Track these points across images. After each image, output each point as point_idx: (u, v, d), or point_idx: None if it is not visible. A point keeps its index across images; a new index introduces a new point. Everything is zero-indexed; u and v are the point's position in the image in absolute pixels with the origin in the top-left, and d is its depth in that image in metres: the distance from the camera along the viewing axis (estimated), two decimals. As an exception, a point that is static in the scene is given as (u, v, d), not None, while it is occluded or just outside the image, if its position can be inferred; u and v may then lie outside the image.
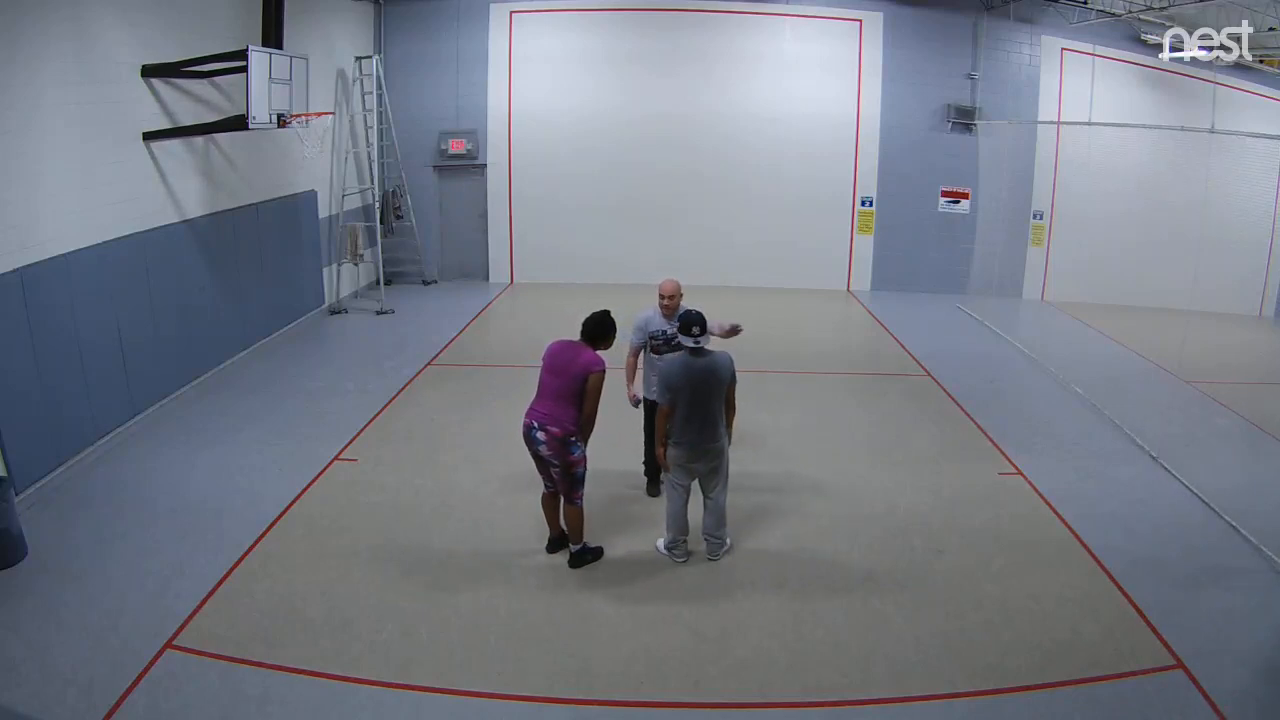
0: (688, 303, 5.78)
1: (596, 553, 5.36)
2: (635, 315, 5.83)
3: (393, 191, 12.83)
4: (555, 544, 5.42)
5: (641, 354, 5.90)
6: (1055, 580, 5.24)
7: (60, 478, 6.19)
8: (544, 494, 5.36)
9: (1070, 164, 12.31)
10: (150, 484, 6.26)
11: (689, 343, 4.98)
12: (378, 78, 11.97)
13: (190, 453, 6.79)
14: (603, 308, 5.13)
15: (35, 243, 5.98)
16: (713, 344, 5.19)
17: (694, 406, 4.99)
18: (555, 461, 5.00)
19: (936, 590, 5.11)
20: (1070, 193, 12.61)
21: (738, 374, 5.19)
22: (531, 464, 5.26)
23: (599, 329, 5.02)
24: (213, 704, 4.02)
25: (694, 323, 4.99)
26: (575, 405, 4.92)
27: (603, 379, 4.90)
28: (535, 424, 4.98)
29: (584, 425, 5.00)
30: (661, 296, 5.76)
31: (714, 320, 5.70)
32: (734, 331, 5.83)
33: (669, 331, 5.74)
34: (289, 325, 10.17)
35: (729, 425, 5.26)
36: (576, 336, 5.10)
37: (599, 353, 5.02)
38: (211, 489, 6.20)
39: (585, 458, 5.08)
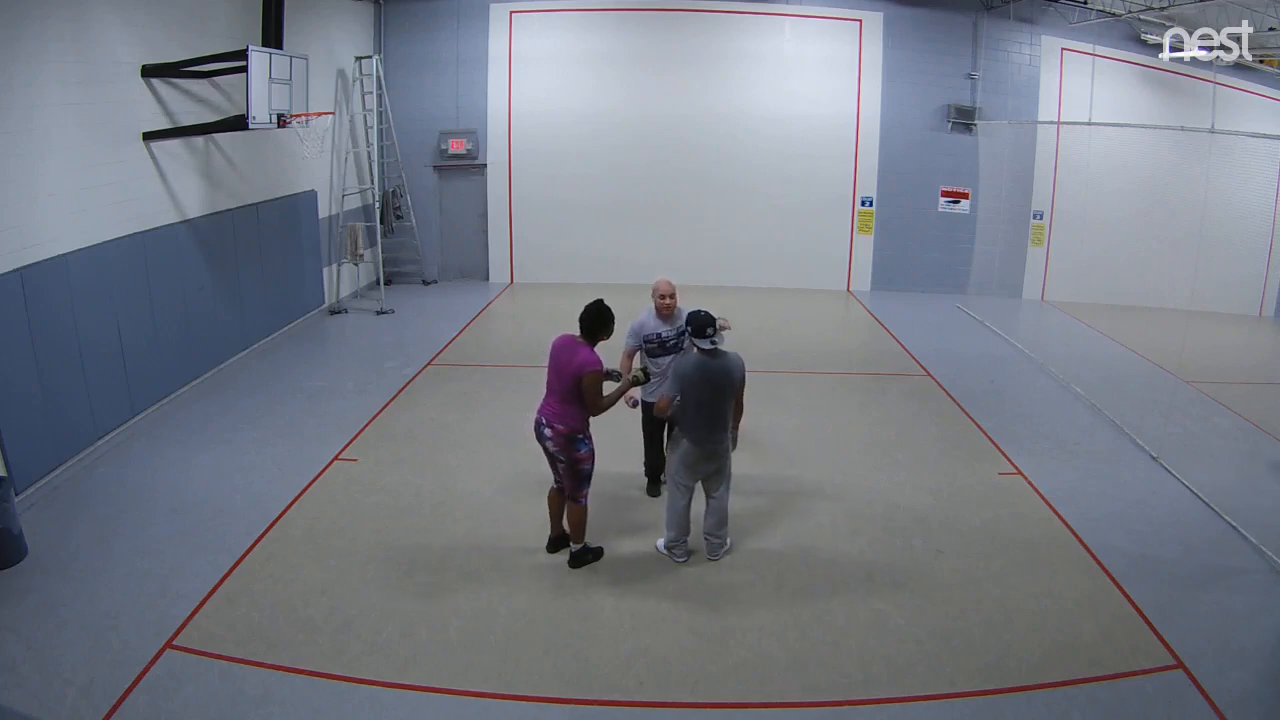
0: (685, 303, 5.79)
1: (597, 553, 5.36)
2: (630, 322, 5.80)
3: (393, 191, 12.83)
4: (555, 544, 5.43)
5: (637, 356, 5.88)
6: (1055, 580, 5.25)
7: (60, 478, 6.19)
8: (551, 490, 5.36)
9: (1070, 164, 12.31)
10: (150, 484, 6.26)
11: (705, 345, 4.96)
12: (378, 78, 11.97)
13: (190, 453, 6.79)
14: (597, 299, 5.02)
15: (35, 243, 5.98)
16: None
17: (704, 406, 5.00)
18: (562, 458, 5.02)
19: (936, 590, 5.11)
20: (1070, 193, 12.60)
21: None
22: (532, 464, 5.28)
23: (597, 320, 4.94)
24: (213, 704, 4.02)
25: (707, 324, 4.97)
26: (578, 403, 4.93)
27: (598, 378, 4.89)
28: (544, 421, 5.02)
29: (593, 414, 4.98)
30: (663, 296, 5.75)
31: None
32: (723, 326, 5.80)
33: (664, 334, 5.75)
34: (289, 325, 10.17)
35: (735, 426, 5.27)
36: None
37: (600, 347, 4.98)
38: (211, 489, 6.20)
39: (592, 455, 5.09)
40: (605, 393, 5.02)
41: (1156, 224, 11.89)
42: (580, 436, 4.99)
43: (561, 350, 4.99)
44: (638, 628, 4.69)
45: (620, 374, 5.24)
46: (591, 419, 5.04)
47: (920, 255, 13.39)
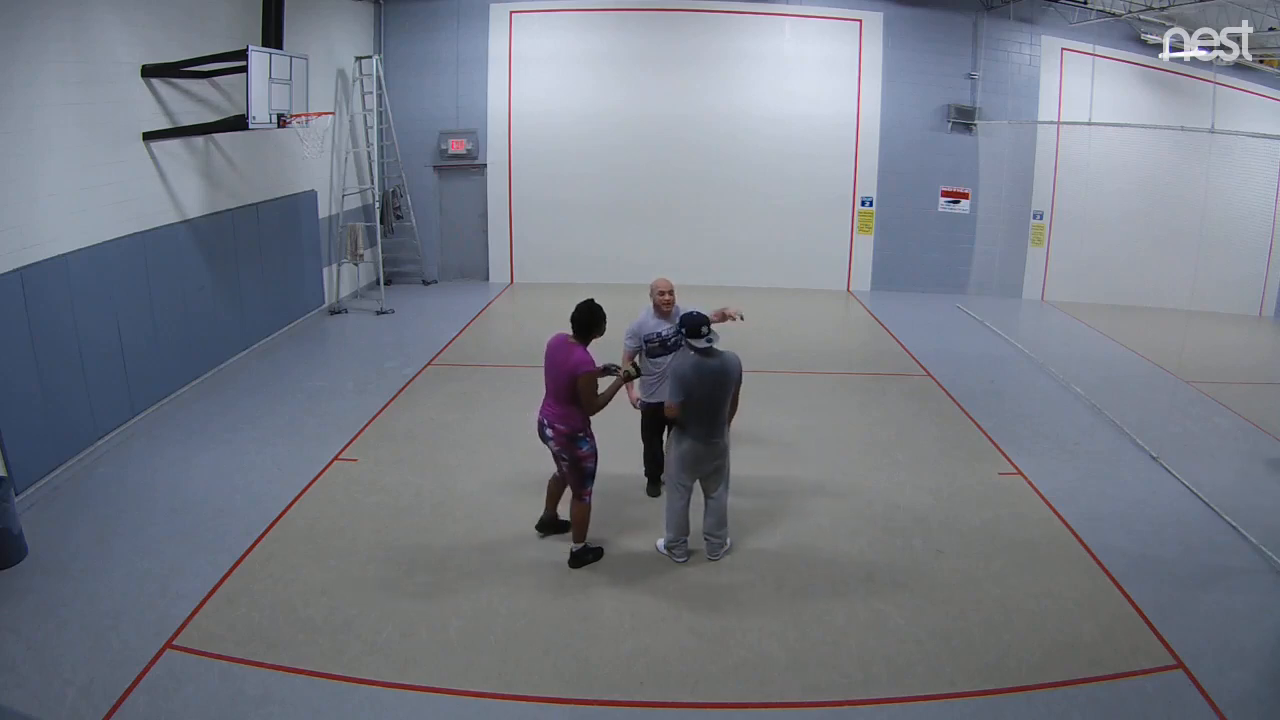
0: (686, 302, 5.79)
1: (597, 553, 5.36)
2: (629, 323, 5.82)
3: (393, 191, 12.83)
4: (546, 525, 5.53)
5: (636, 358, 5.88)
6: (1055, 580, 5.25)
7: (60, 478, 6.19)
8: (553, 476, 5.43)
9: (1070, 164, 12.31)
10: (150, 484, 6.26)
11: (701, 344, 4.97)
12: (378, 78, 11.97)
13: (190, 453, 6.79)
14: (587, 298, 5.04)
15: (35, 243, 5.98)
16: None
17: (704, 406, 5.01)
18: (565, 456, 5.07)
19: (936, 590, 5.11)
20: (1070, 193, 12.61)
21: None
22: (532, 464, 5.35)
23: (590, 318, 4.97)
24: (213, 704, 4.02)
25: (701, 323, 4.99)
26: (574, 403, 4.95)
27: (592, 379, 4.91)
28: (545, 422, 5.08)
29: (590, 414, 5.01)
30: (662, 293, 5.77)
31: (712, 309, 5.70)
32: (722, 319, 5.76)
33: (663, 334, 5.75)
34: (289, 325, 10.17)
35: (728, 422, 5.27)
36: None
37: (593, 345, 5.00)
38: (211, 489, 6.20)
39: (595, 453, 5.11)
40: (602, 389, 5.04)
41: (1156, 224, 11.91)
42: (581, 435, 5.02)
43: (555, 351, 5.02)
44: (638, 628, 4.69)
45: (617, 367, 5.23)
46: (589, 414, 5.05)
47: (920, 255, 13.38)
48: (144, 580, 4.99)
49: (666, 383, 5.33)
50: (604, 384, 5.10)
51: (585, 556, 5.29)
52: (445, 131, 13.02)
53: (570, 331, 5.01)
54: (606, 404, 5.01)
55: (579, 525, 5.23)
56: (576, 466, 5.07)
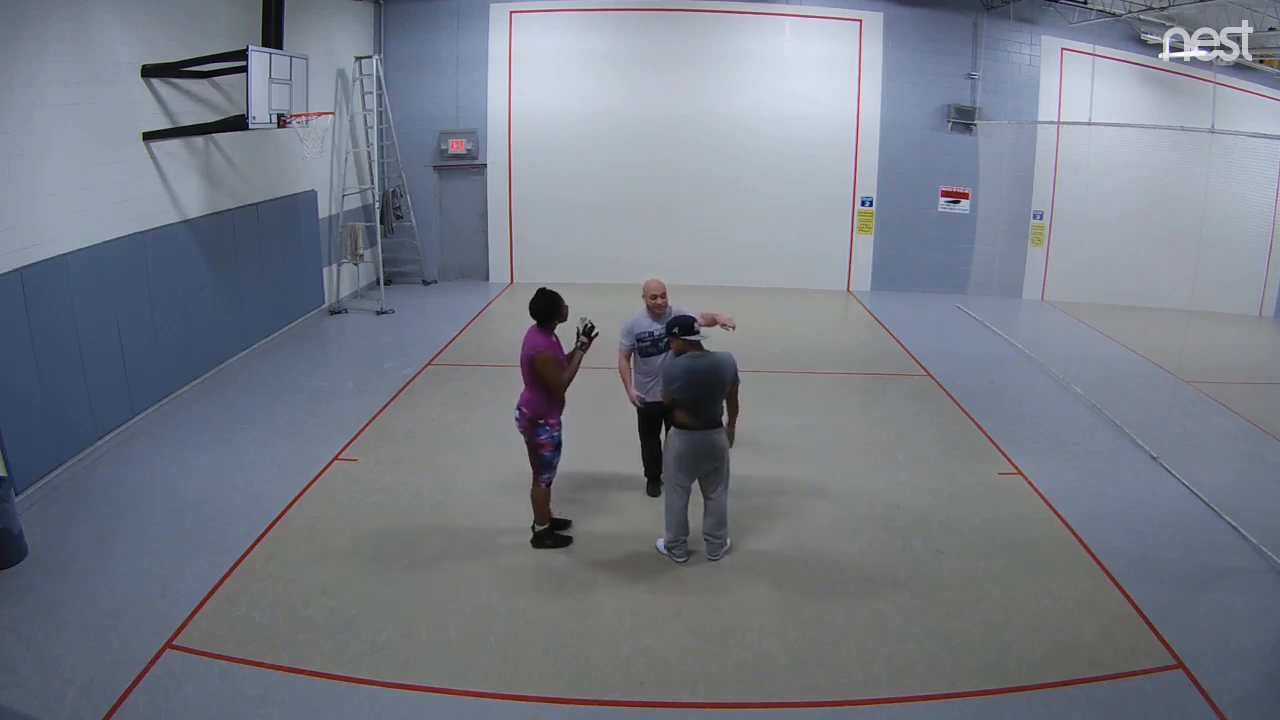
0: (684, 303, 5.80)
1: (559, 541, 5.46)
2: (623, 322, 5.86)
3: (393, 191, 12.83)
4: (553, 524, 5.59)
5: (632, 357, 5.90)
6: (1055, 580, 5.25)
7: (60, 478, 6.19)
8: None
9: (1070, 164, 12.31)
10: (150, 484, 6.26)
11: (692, 337, 5.05)
12: (378, 78, 11.97)
13: (190, 453, 6.79)
14: (541, 287, 5.21)
15: (35, 243, 5.98)
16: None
17: (697, 406, 5.02)
18: (526, 440, 5.24)
19: (936, 590, 5.11)
20: (1070, 193, 12.60)
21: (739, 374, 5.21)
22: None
23: (548, 305, 5.14)
24: (213, 704, 4.03)
25: (692, 322, 5.08)
26: (541, 389, 5.10)
27: (548, 359, 5.03)
28: (517, 404, 5.27)
29: (555, 396, 5.15)
30: (654, 296, 5.78)
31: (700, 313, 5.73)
32: (712, 323, 5.77)
33: (656, 333, 5.76)
34: (289, 325, 10.17)
35: (732, 425, 5.28)
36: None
37: (557, 329, 5.17)
38: (211, 489, 6.20)
39: (554, 444, 5.21)
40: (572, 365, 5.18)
41: (1156, 224, 11.90)
42: (542, 423, 5.14)
43: (524, 340, 5.18)
44: (638, 628, 4.69)
45: (585, 343, 5.20)
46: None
47: (920, 255, 13.38)
48: (144, 580, 4.99)
49: (659, 383, 5.36)
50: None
51: (544, 540, 5.43)
52: (445, 131, 13.02)
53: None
54: (570, 380, 5.14)
55: (536, 507, 5.37)
56: (535, 452, 5.23)
